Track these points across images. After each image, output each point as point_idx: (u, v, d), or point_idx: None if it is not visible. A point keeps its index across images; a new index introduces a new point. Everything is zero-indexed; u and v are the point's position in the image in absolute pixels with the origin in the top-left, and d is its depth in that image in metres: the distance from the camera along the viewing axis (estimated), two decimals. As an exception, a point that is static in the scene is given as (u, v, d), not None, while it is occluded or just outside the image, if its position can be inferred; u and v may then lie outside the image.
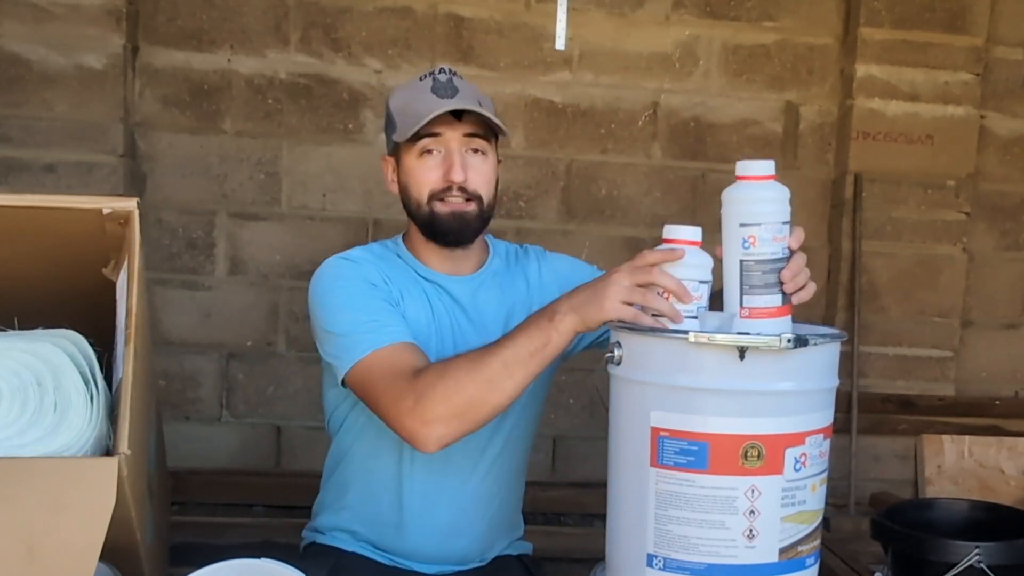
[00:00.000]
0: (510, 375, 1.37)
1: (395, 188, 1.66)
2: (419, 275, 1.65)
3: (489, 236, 1.76)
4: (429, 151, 1.57)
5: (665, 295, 1.29)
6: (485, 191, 1.60)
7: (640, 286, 1.30)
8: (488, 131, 1.60)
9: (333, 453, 1.74)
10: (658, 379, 1.25)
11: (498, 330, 1.61)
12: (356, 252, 1.65)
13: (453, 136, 1.56)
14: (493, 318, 1.66)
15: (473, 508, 1.67)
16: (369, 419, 1.58)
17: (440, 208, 1.58)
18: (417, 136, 1.56)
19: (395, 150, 1.64)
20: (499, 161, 1.68)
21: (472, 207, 1.58)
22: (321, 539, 1.72)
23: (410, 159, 1.59)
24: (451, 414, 1.39)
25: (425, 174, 1.58)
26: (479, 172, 1.59)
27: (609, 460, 1.36)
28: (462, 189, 1.57)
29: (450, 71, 1.60)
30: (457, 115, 1.55)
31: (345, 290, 1.55)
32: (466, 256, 1.66)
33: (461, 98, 1.55)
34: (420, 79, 1.60)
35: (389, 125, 1.64)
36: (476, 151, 1.59)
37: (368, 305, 1.53)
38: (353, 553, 1.68)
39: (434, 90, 1.56)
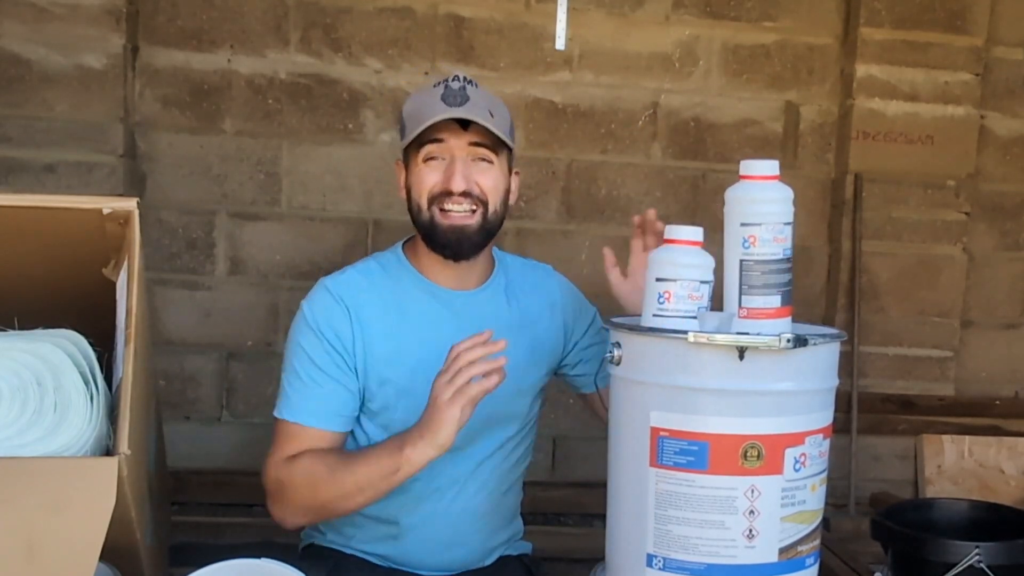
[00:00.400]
0: (361, 492, 1.49)
1: (403, 194, 1.63)
2: (419, 290, 1.63)
3: (496, 249, 1.74)
4: (433, 157, 1.55)
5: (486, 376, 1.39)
6: (492, 197, 1.57)
7: (460, 389, 1.39)
8: (497, 142, 1.57)
9: None
10: (658, 379, 1.25)
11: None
12: (348, 277, 1.63)
13: (458, 144, 1.54)
14: (497, 331, 1.63)
15: (470, 521, 1.67)
16: (353, 443, 1.63)
17: (440, 219, 1.55)
18: (422, 141, 1.54)
19: (405, 156, 1.62)
20: (515, 172, 1.65)
21: (475, 219, 1.56)
22: (320, 540, 1.72)
23: (415, 164, 1.58)
24: (303, 512, 1.56)
25: (426, 178, 1.56)
26: (485, 177, 1.56)
27: (609, 460, 1.37)
28: (466, 195, 1.54)
29: (464, 79, 1.56)
30: (464, 124, 1.53)
31: (304, 344, 1.58)
32: (470, 268, 1.64)
33: (471, 107, 1.52)
34: (434, 85, 1.57)
35: (400, 131, 1.63)
36: (482, 160, 1.56)
37: (309, 373, 1.57)
38: (352, 555, 1.68)
39: (444, 97, 1.53)
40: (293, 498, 1.53)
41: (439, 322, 1.62)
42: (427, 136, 1.54)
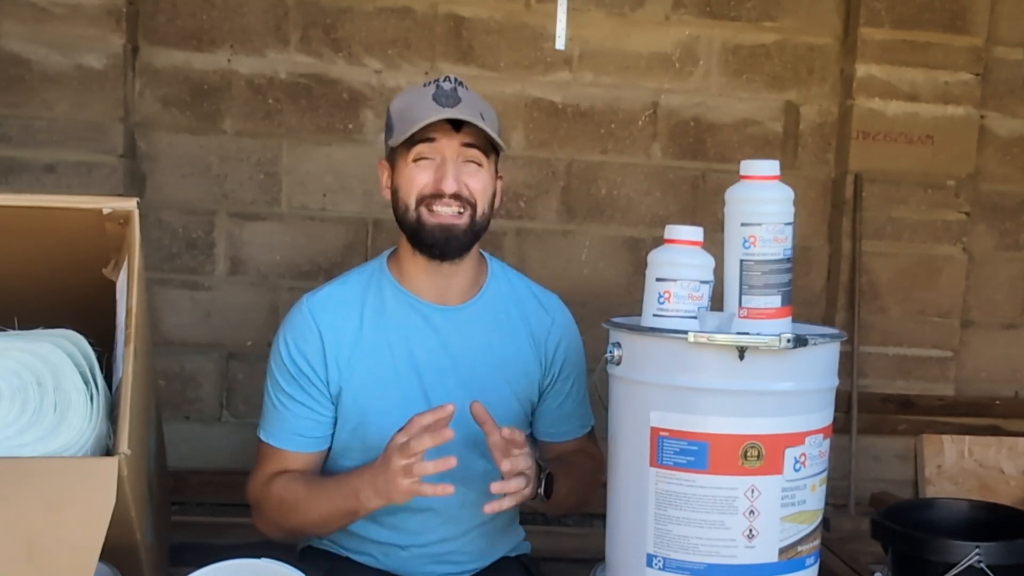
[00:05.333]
0: (325, 524, 1.59)
1: (388, 194, 1.62)
2: (399, 302, 1.62)
3: (497, 261, 1.72)
4: (424, 157, 1.54)
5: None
6: (481, 199, 1.56)
7: (411, 465, 1.40)
8: (487, 144, 1.56)
9: None
10: (658, 379, 1.25)
11: (480, 366, 1.60)
12: (326, 293, 1.63)
13: (449, 145, 1.53)
14: (477, 352, 1.62)
15: (465, 535, 1.68)
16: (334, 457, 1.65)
17: (428, 218, 1.54)
18: (412, 141, 1.53)
19: (391, 155, 1.61)
20: (499, 177, 1.64)
21: (463, 220, 1.55)
22: (317, 542, 1.73)
23: (404, 164, 1.56)
24: (280, 531, 1.64)
25: (416, 177, 1.55)
26: (474, 179, 1.56)
27: (609, 460, 1.37)
28: (455, 197, 1.53)
29: (455, 80, 1.56)
30: (456, 125, 1.52)
31: (275, 369, 1.63)
32: (455, 274, 1.62)
33: (463, 108, 1.52)
34: (424, 85, 1.57)
35: (387, 129, 1.62)
36: (471, 162, 1.56)
37: (279, 398, 1.61)
38: (347, 558, 1.69)
39: (435, 97, 1.53)
40: (270, 518, 1.61)
41: (418, 337, 1.61)
42: (418, 136, 1.53)
